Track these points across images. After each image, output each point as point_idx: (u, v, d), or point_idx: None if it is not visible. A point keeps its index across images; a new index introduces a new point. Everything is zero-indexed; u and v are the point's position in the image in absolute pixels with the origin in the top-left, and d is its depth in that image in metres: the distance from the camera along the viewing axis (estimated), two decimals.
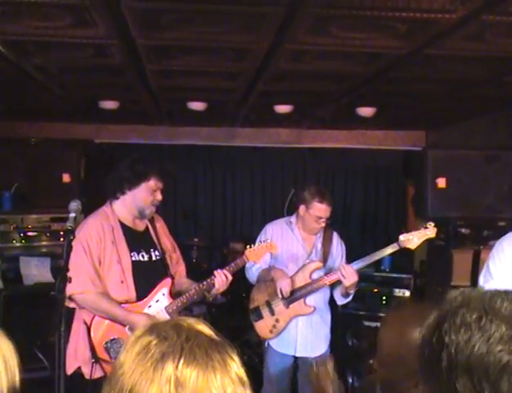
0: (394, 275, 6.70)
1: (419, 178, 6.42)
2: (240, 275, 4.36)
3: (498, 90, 4.73)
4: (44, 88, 4.99)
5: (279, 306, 4.46)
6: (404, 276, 6.69)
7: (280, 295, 4.39)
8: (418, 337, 1.49)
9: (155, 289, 3.75)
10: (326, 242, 4.63)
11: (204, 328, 1.29)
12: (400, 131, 7.47)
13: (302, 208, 4.51)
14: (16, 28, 3.26)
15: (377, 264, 6.75)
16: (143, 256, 3.80)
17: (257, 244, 4.08)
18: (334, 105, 5.69)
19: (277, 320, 4.48)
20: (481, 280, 3.67)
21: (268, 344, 4.60)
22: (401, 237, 4.29)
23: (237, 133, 7.43)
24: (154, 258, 3.86)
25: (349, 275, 4.21)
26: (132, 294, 3.68)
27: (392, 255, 6.30)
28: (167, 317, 3.62)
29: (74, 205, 3.05)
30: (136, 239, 3.82)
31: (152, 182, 3.72)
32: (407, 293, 6.35)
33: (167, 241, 4.05)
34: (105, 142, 7.24)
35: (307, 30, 3.25)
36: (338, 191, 7.85)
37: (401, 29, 3.12)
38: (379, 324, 6.34)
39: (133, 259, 3.74)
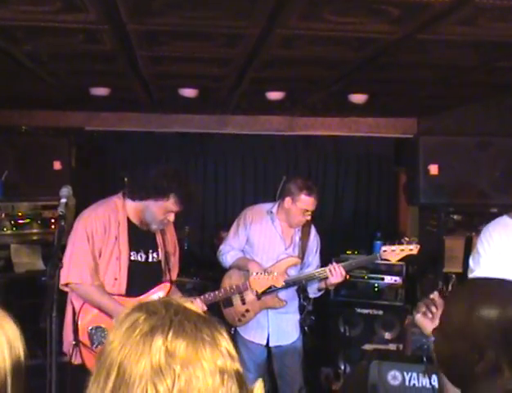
0: (386, 262, 6.71)
1: (411, 165, 6.42)
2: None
3: (491, 76, 4.72)
4: (34, 76, 4.95)
5: (250, 297, 4.44)
6: (396, 263, 6.69)
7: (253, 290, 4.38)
8: (489, 314, 1.61)
9: (152, 290, 3.74)
10: (304, 236, 4.59)
11: (193, 306, 1.30)
12: (392, 118, 7.46)
13: (287, 200, 4.43)
14: (4, 12, 3.21)
15: (369, 252, 6.77)
16: (141, 257, 3.77)
17: (264, 275, 4.07)
18: (326, 92, 5.67)
19: (247, 310, 4.47)
20: (470, 263, 3.70)
21: (236, 330, 4.55)
22: (384, 248, 4.30)
23: (229, 121, 7.40)
24: (150, 259, 3.82)
25: (338, 276, 4.23)
26: (122, 292, 3.67)
27: (382, 239, 6.38)
28: None
29: (65, 190, 3.03)
30: (139, 238, 3.76)
31: (169, 203, 3.60)
32: (399, 280, 6.36)
33: (171, 243, 4.01)
34: (96, 129, 7.20)
35: (299, 15, 3.23)
36: (329, 179, 7.85)
37: (393, 13, 3.10)
38: (370, 311, 6.38)
39: (132, 258, 3.72)
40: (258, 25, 3.43)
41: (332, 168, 7.90)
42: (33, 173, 6.36)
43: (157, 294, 3.72)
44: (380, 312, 6.28)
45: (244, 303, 4.46)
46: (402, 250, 4.27)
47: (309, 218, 4.45)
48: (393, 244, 4.29)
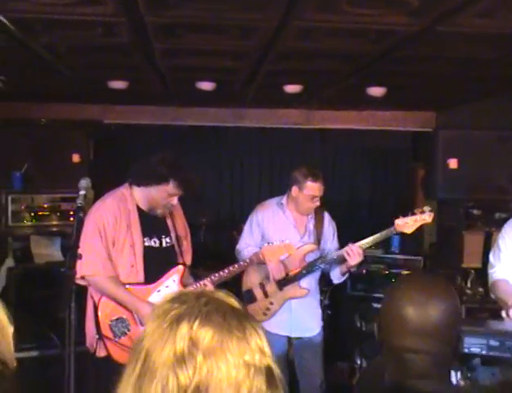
0: (403, 257, 6.69)
1: (430, 159, 6.38)
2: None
3: (510, 69, 4.68)
4: (52, 68, 4.98)
5: (272, 288, 4.43)
6: (413, 258, 6.67)
7: (272, 280, 4.38)
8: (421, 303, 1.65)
9: (167, 274, 3.76)
10: (318, 223, 4.59)
11: (230, 300, 1.28)
12: (410, 112, 7.41)
13: (294, 189, 4.45)
14: (23, 5, 3.24)
15: (386, 246, 6.75)
16: (155, 242, 3.80)
17: (275, 243, 4.06)
18: (343, 85, 5.65)
19: (271, 302, 4.46)
20: (491, 258, 3.68)
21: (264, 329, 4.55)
22: (397, 221, 4.26)
23: (245, 114, 7.40)
24: (164, 244, 3.85)
25: (356, 255, 4.20)
26: (141, 279, 3.70)
27: (400, 235, 6.34)
28: None
29: (84, 182, 3.05)
30: (151, 224, 3.80)
31: (170, 187, 3.66)
32: None
33: (182, 227, 4.04)
34: (114, 122, 7.23)
35: (316, 7, 3.22)
36: (346, 172, 7.83)
37: (413, 4, 3.08)
38: None
39: (146, 244, 3.75)
40: (275, 17, 3.42)
41: (348, 162, 7.87)
42: (51, 165, 6.42)
43: (172, 277, 3.76)
44: None
45: (266, 296, 4.46)
46: (416, 220, 4.25)
47: (318, 204, 4.45)
48: (406, 216, 4.26)
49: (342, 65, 4.76)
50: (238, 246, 4.66)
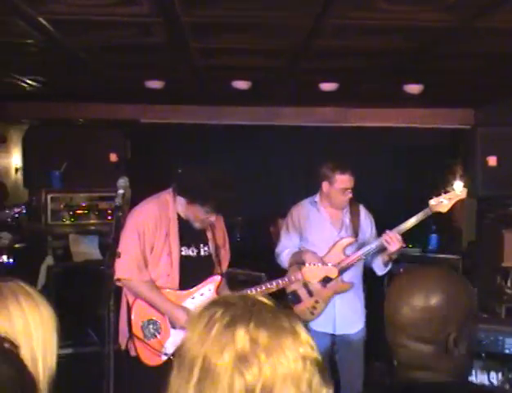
0: (441, 256, 6.61)
1: (468, 157, 6.29)
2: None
3: None
4: (90, 69, 5.05)
5: (316, 287, 4.40)
6: (452, 256, 6.58)
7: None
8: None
9: (203, 283, 3.76)
10: (354, 216, 4.55)
11: (267, 299, 1.30)
12: (447, 109, 7.31)
13: (325, 185, 4.42)
14: (60, 7, 3.30)
15: (424, 245, 6.68)
16: (193, 251, 3.80)
17: (316, 266, 4.03)
18: (379, 82, 5.61)
19: (316, 301, 4.43)
20: None
21: (309, 327, 4.54)
22: (432, 202, 4.20)
23: (281, 113, 7.39)
24: (202, 253, 3.84)
25: (395, 241, 4.15)
26: (176, 286, 3.70)
27: (437, 233, 6.27)
28: None
29: (122, 182, 3.07)
30: (189, 233, 3.78)
31: (207, 208, 3.63)
32: None
33: (221, 235, 4.03)
34: (151, 122, 7.29)
35: (352, 4, 3.21)
36: (382, 171, 7.75)
37: (449, 0, 3.05)
38: None
39: (183, 253, 3.75)
40: (311, 16, 3.42)
41: (385, 160, 7.80)
42: (89, 165, 6.51)
43: (207, 286, 3.75)
44: None
45: (311, 295, 4.43)
46: (450, 198, 4.19)
47: (350, 195, 4.41)
48: (439, 195, 4.20)
49: (378, 63, 4.73)
50: (277, 250, 4.65)
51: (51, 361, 1.51)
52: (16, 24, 3.67)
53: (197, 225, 3.72)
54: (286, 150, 7.75)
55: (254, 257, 6.48)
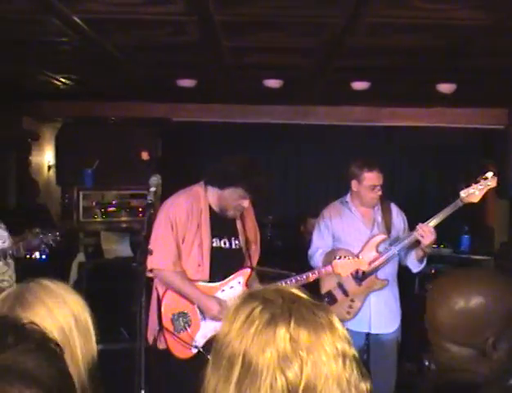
0: (473, 257, 6.53)
1: (502, 157, 6.21)
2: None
3: None
4: (123, 67, 5.08)
5: (351, 286, 4.38)
6: (484, 257, 6.50)
7: (350, 275, 4.32)
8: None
9: (232, 276, 3.77)
10: (386, 214, 4.52)
11: (303, 294, 1.30)
12: (480, 108, 7.22)
13: (354, 183, 4.41)
14: (96, 6, 3.33)
15: (455, 245, 6.61)
16: (225, 243, 3.82)
17: (346, 258, 4.01)
18: (412, 81, 5.56)
19: (352, 300, 4.41)
20: None
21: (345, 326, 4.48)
22: (462, 194, 4.15)
23: (312, 111, 7.37)
24: (234, 246, 3.86)
25: (428, 233, 4.11)
26: (206, 278, 3.72)
27: (469, 234, 6.19)
28: None
29: (155, 179, 3.09)
30: (221, 225, 3.81)
31: (241, 191, 3.65)
32: None
33: (252, 230, 4.04)
34: (182, 120, 7.33)
35: (387, 2, 3.19)
36: (414, 170, 7.70)
37: None
38: None
39: (214, 245, 3.77)
40: (344, 13, 3.40)
41: (416, 159, 7.74)
42: (121, 163, 6.57)
43: (237, 279, 3.76)
44: None
45: (347, 294, 4.41)
46: (481, 188, 4.14)
47: (380, 192, 4.38)
48: (469, 186, 4.16)
49: (411, 61, 4.69)
50: (309, 251, 4.63)
51: (92, 353, 1.52)
52: (52, 23, 3.71)
53: (230, 213, 3.74)
54: (316, 149, 7.73)
55: (284, 256, 6.48)
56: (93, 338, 1.54)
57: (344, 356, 1.20)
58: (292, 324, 1.19)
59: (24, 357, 1.01)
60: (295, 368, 1.15)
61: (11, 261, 3.38)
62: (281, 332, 1.18)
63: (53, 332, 1.44)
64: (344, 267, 3.96)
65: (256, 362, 1.17)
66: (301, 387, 1.15)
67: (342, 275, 4.07)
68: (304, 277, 3.95)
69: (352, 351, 1.23)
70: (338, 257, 4.01)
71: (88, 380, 1.50)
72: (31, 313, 1.45)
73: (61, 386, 1.05)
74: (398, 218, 4.54)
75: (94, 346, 1.54)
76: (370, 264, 4.22)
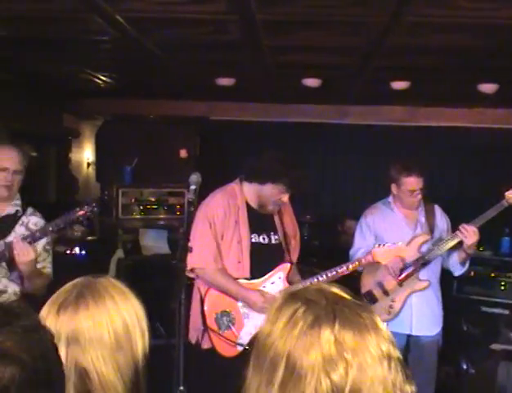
0: None
1: None
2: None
3: None
4: (163, 66, 5.12)
5: (392, 285, 4.35)
6: None
7: (391, 275, 4.29)
8: None
9: (273, 271, 3.77)
10: (429, 215, 4.48)
11: (345, 293, 1.29)
12: None
13: (393, 187, 4.39)
14: (137, 4, 3.36)
15: (495, 248, 6.51)
16: (264, 239, 3.82)
17: (386, 246, 3.99)
18: (453, 81, 5.50)
19: (393, 300, 4.37)
20: None
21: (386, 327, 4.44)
22: (509, 193, 4.09)
23: (350, 111, 7.34)
24: (273, 241, 3.86)
25: (471, 234, 4.06)
26: (247, 275, 3.73)
27: (510, 236, 6.08)
28: None
29: (195, 177, 3.09)
30: (259, 221, 3.82)
31: (282, 185, 3.67)
32: None
33: (290, 225, 4.04)
34: (220, 119, 7.36)
35: (429, 1, 3.15)
36: (453, 171, 7.60)
37: None
38: (495, 310, 6.11)
39: (253, 240, 3.77)
40: (385, 12, 3.37)
41: (456, 160, 7.64)
42: (159, 160, 6.64)
43: (278, 274, 3.76)
44: (506, 311, 6.01)
45: (387, 294, 4.38)
46: None
47: (419, 196, 4.34)
48: None
49: (452, 61, 4.64)
50: (351, 251, 4.61)
51: (147, 351, 1.55)
52: (94, 21, 3.76)
53: (269, 209, 3.75)
54: (354, 149, 7.68)
55: (321, 256, 6.46)
56: (147, 337, 1.56)
57: (389, 358, 1.19)
58: (336, 326, 1.18)
59: (5, 337, 1.03)
60: (340, 370, 1.15)
61: (49, 248, 3.44)
62: (326, 334, 1.17)
63: (118, 324, 1.48)
64: (384, 254, 3.92)
65: (300, 364, 1.16)
66: (346, 390, 1.14)
67: (382, 263, 4.04)
68: (344, 267, 3.92)
69: (397, 353, 1.22)
70: (377, 245, 3.99)
71: (143, 377, 1.53)
72: (101, 301, 1.49)
73: (47, 368, 1.07)
74: (442, 220, 4.49)
75: (147, 345, 1.56)
76: (408, 260, 4.19)
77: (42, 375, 1.08)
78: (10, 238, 3.31)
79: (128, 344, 1.48)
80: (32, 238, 3.19)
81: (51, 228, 3.23)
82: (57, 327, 1.43)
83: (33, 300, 3.47)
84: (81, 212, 3.23)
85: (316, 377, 1.15)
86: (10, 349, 1.04)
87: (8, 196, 3.34)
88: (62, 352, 1.40)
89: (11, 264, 3.25)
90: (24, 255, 3.12)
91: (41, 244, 3.37)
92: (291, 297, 1.28)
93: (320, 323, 1.19)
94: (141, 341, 1.52)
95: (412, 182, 4.28)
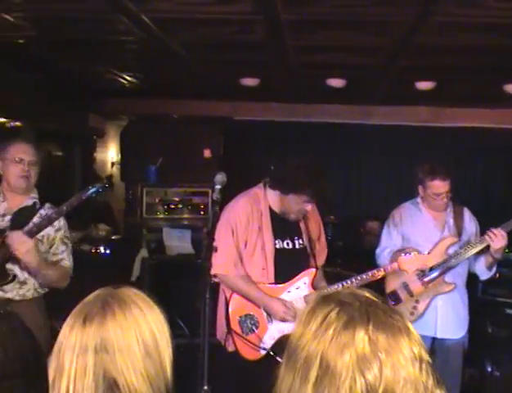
0: None
1: None
2: None
3: None
4: (188, 66, 5.14)
5: (417, 286, 4.32)
6: None
7: (417, 276, 4.26)
8: None
9: (298, 276, 3.75)
10: (458, 217, 4.43)
11: (377, 298, 1.30)
12: None
13: (420, 188, 4.35)
14: (163, 5, 3.39)
15: None
16: (288, 244, 3.79)
17: (412, 254, 3.95)
18: (478, 81, 5.46)
19: (417, 301, 4.34)
20: None
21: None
22: None
23: (374, 111, 7.31)
24: (297, 246, 3.83)
25: (499, 238, 4.02)
26: (272, 281, 3.71)
27: None
28: (304, 306, 3.60)
29: (220, 177, 3.10)
30: (283, 226, 3.79)
31: (305, 196, 3.60)
32: None
33: (315, 228, 4.00)
34: (244, 119, 7.37)
35: (457, 1, 3.13)
36: (477, 172, 7.54)
37: None
38: None
39: (277, 246, 3.75)
40: (412, 12, 3.36)
41: (480, 161, 7.58)
42: (184, 160, 6.66)
43: (303, 279, 3.73)
44: None
45: (412, 295, 4.35)
46: None
47: (445, 200, 4.30)
48: None
49: (478, 61, 4.60)
50: (377, 250, 4.58)
51: (171, 360, 1.55)
52: (120, 22, 3.79)
53: (292, 217, 3.72)
54: (379, 150, 7.65)
55: (345, 256, 6.44)
56: (172, 347, 1.56)
57: (421, 361, 1.20)
58: (370, 327, 1.20)
59: None
60: (375, 369, 1.16)
61: (67, 241, 3.47)
62: (360, 335, 1.19)
63: (146, 333, 1.47)
64: (410, 263, 3.88)
65: (334, 364, 1.18)
66: (380, 390, 1.15)
67: (408, 272, 4.01)
68: (370, 274, 3.89)
69: (427, 357, 1.22)
70: (404, 253, 3.95)
71: (172, 387, 1.53)
72: (127, 310, 1.48)
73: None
74: (470, 223, 4.44)
75: (172, 355, 1.56)
76: (435, 262, 4.15)
77: (17, 365, 1.10)
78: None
79: (156, 352, 1.48)
80: (37, 227, 3.22)
81: (65, 208, 3.25)
82: (84, 339, 1.43)
83: (57, 294, 3.52)
84: (93, 189, 3.27)
85: (351, 376, 1.16)
86: None
87: (26, 187, 3.38)
88: (89, 362, 1.41)
89: (17, 261, 3.28)
90: (20, 244, 3.13)
91: (58, 236, 3.41)
92: (324, 300, 1.29)
93: (354, 324, 1.20)
94: (167, 350, 1.52)
95: (437, 186, 4.24)
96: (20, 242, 3.14)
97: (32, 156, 3.34)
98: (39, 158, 3.41)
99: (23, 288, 3.39)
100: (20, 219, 3.37)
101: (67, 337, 1.45)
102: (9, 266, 3.32)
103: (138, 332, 1.46)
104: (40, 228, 3.24)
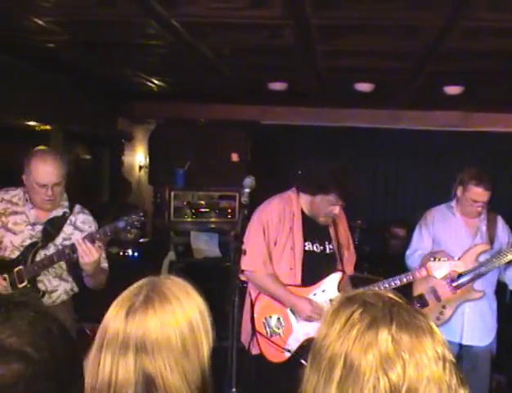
0: None
1: None
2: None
3: None
4: (216, 70, 5.18)
5: (445, 292, 4.29)
6: None
7: (446, 281, 4.23)
8: None
9: (325, 279, 3.76)
10: (491, 225, 4.39)
11: (401, 299, 1.31)
12: None
13: (460, 189, 4.31)
14: (194, 9, 3.41)
15: None
16: (317, 247, 3.82)
17: (442, 260, 3.92)
18: (507, 86, 5.41)
19: (444, 306, 4.31)
20: None
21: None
22: None
23: (402, 116, 7.28)
24: (327, 251, 3.85)
25: None
26: (299, 282, 3.73)
27: None
28: None
29: (249, 181, 3.12)
30: (314, 230, 3.82)
31: (332, 197, 3.65)
32: None
33: (344, 236, 4.02)
34: (271, 123, 7.38)
35: (487, 6, 3.11)
36: (506, 177, 7.46)
37: None
38: None
39: (306, 248, 3.77)
40: (442, 17, 3.35)
41: (509, 166, 7.50)
42: (211, 164, 6.68)
43: (329, 283, 3.75)
44: None
45: (439, 300, 4.33)
46: None
47: (479, 209, 4.26)
48: None
49: (507, 66, 4.56)
50: (407, 252, 4.57)
51: (210, 350, 1.56)
52: (150, 26, 3.83)
53: (322, 220, 3.74)
54: (407, 154, 7.62)
55: (372, 261, 6.42)
56: (212, 335, 1.58)
57: (445, 360, 1.21)
58: (394, 327, 1.21)
59: (8, 332, 1.06)
60: (398, 369, 1.17)
61: (101, 244, 3.50)
62: (384, 334, 1.20)
63: (184, 326, 1.49)
64: (439, 269, 3.85)
65: (358, 363, 1.19)
66: (403, 389, 1.16)
67: (437, 278, 3.98)
68: (398, 281, 3.87)
69: (451, 356, 1.23)
70: (433, 259, 3.92)
71: (210, 383, 1.54)
72: (167, 304, 1.50)
73: (55, 358, 1.10)
74: (503, 231, 4.39)
75: (212, 343, 1.57)
76: (465, 268, 4.11)
77: (51, 365, 1.10)
78: (59, 240, 3.43)
79: (194, 347, 1.49)
80: (91, 238, 3.25)
81: (98, 236, 3.28)
82: (127, 333, 1.45)
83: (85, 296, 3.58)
84: (129, 220, 3.29)
85: (375, 376, 1.17)
86: (13, 344, 1.06)
87: (52, 207, 3.44)
88: (131, 359, 1.43)
89: (75, 264, 3.33)
90: (87, 255, 3.18)
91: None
92: (348, 300, 1.30)
93: (377, 325, 1.22)
94: (206, 341, 1.53)
95: (479, 193, 4.20)
96: (87, 253, 3.20)
97: (56, 179, 3.33)
98: (63, 173, 3.39)
99: (52, 297, 3.46)
100: (51, 230, 3.44)
101: (109, 330, 1.47)
102: (40, 278, 3.40)
103: (176, 326, 1.48)
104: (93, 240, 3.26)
